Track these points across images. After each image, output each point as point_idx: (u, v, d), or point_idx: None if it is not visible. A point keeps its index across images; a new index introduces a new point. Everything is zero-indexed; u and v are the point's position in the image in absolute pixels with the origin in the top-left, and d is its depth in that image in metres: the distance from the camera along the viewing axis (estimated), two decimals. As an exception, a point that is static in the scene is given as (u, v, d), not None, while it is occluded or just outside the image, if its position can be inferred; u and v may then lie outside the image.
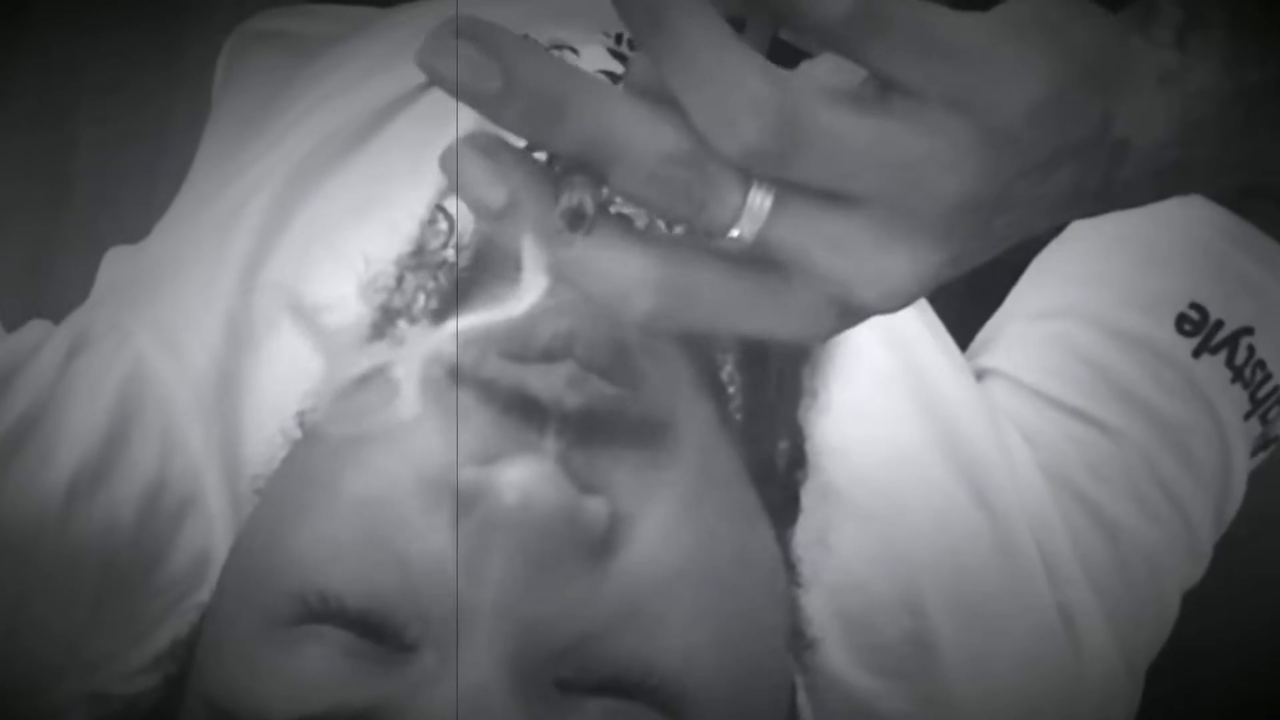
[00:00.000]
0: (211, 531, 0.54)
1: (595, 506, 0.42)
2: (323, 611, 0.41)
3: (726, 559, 0.45)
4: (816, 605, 0.56)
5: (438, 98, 0.67)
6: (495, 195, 0.32)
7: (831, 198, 0.32)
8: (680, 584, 0.43)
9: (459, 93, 0.30)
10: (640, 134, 0.31)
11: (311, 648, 0.41)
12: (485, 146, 0.32)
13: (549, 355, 0.43)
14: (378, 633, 0.41)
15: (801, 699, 0.55)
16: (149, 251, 0.67)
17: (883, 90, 0.32)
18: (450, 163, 0.32)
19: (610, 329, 0.45)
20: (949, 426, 0.59)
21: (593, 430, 0.43)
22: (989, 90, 0.32)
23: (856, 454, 0.58)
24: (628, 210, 0.34)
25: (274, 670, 0.41)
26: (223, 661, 0.44)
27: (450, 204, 0.62)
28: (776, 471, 0.55)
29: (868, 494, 0.57)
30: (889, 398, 0.59)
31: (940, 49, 0.32)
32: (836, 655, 0.57)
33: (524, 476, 0.41)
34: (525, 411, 0.43)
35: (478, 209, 0.32)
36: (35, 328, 0.57)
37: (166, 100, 0.90)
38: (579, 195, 0.32)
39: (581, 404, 0.43)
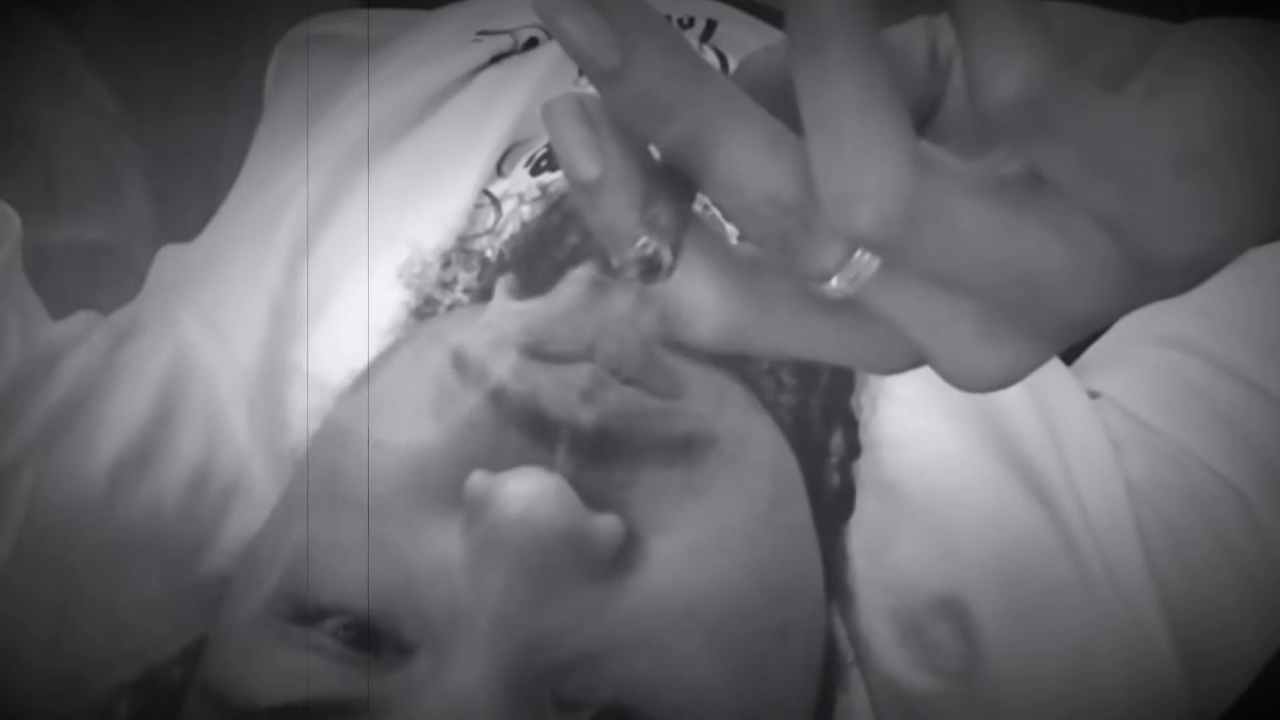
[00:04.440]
0: (259, 517, 0.54)
1: (606, 525, 0.40)
2: (321, 610, 0.41)
3: (758, 593, 0.43)
4: (869, 606, 0.54)
5: (482, 87, 0.67)
6: (588, 167, 0.29)
7: (942, 282, 0.30)
8: (696, 614, 0.41)
9: (575, 56, 0.28)
10: (747, 166, 0.28)
11: (308, 645, 0.40)
12: (590, 113, 0.29)
13: (568, 356, 0.42)
14: (376, 633, 0.40)
15: (860, 697, 0.54)
16: (199, 246, 0.68)
17: (1035, 183, 0.29)
18: (551, 118, 0.30)
19: (643, 335, 0.43)
20: (997, 423, 0.57)
21: (614, 445, 0.41)
22: (1154, 230, 0.28)
23: (913, 447, 0.56)
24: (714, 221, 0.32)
25: (269, 662, 0.41)
26: (224, 648, 0.43)
27: (495, 189, 0.61)
28: (829, 465, 0.54)
29: (923, 490, 0.56)
30: (943, 388, 0.57)
31: (1111, 170, 0.28)
32: (889, 655, 0.55)
33: (530, 488, 0.39)
34: (537, 423, 0.41)
35: (569, 176, 0.30)
36: (83, 316, 0.58)
37: (223, 106, 0.91)
38: (657, 244, 0.29)
39: (597, 418, 0.41)
